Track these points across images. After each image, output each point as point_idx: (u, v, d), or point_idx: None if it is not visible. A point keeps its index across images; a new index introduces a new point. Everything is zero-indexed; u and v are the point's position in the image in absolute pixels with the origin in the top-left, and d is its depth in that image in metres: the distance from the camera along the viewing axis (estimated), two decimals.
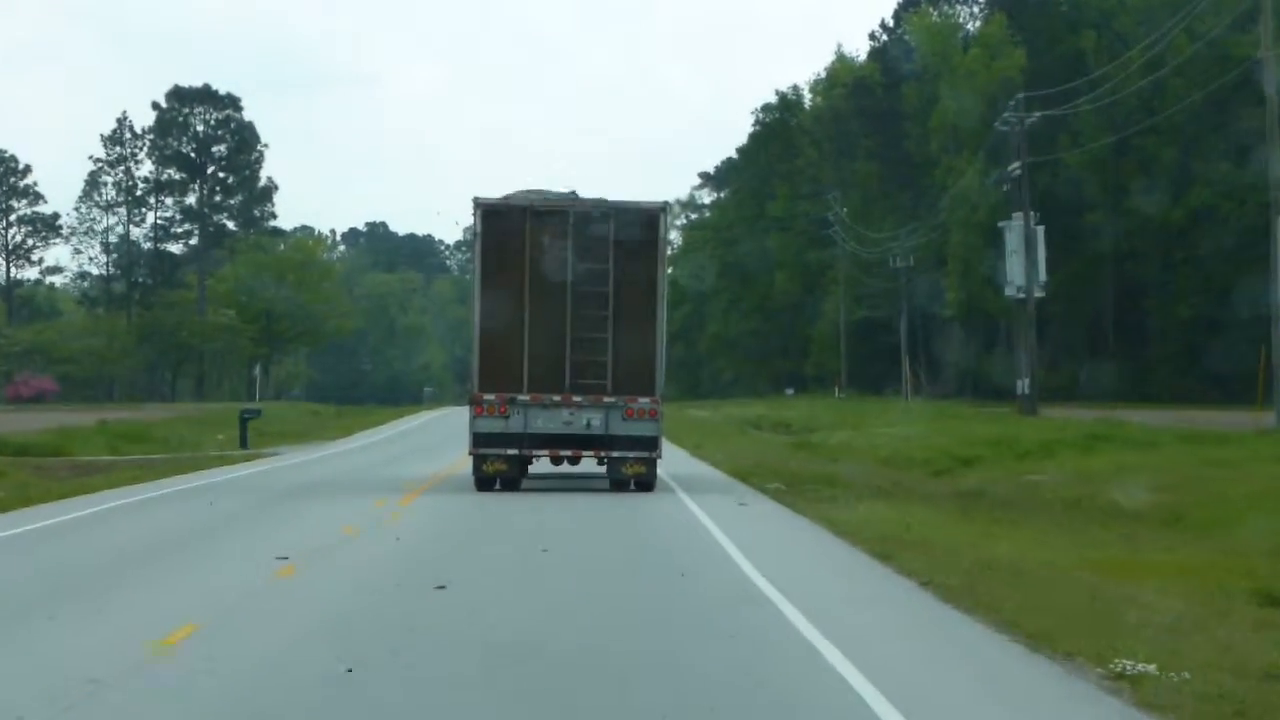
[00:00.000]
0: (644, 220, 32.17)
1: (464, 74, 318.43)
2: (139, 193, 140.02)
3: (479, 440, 31.98)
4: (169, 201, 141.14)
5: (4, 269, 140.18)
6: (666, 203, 34.15)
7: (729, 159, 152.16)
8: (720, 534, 22.49)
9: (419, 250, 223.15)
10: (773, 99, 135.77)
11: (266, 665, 12.43)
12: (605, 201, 32.80)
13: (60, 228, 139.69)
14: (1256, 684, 11.30)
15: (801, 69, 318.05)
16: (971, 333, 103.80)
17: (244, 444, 56.50)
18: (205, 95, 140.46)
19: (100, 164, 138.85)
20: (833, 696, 11.25)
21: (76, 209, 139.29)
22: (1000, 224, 68.63)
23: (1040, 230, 65.35)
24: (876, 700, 11.00)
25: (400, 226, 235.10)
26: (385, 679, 11.69)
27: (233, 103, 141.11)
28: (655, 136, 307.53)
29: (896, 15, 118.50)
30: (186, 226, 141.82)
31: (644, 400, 31.61)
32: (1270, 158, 45.77)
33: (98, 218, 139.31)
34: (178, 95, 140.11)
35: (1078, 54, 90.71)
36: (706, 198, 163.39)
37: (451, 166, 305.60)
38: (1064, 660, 12.43)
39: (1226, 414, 59.01)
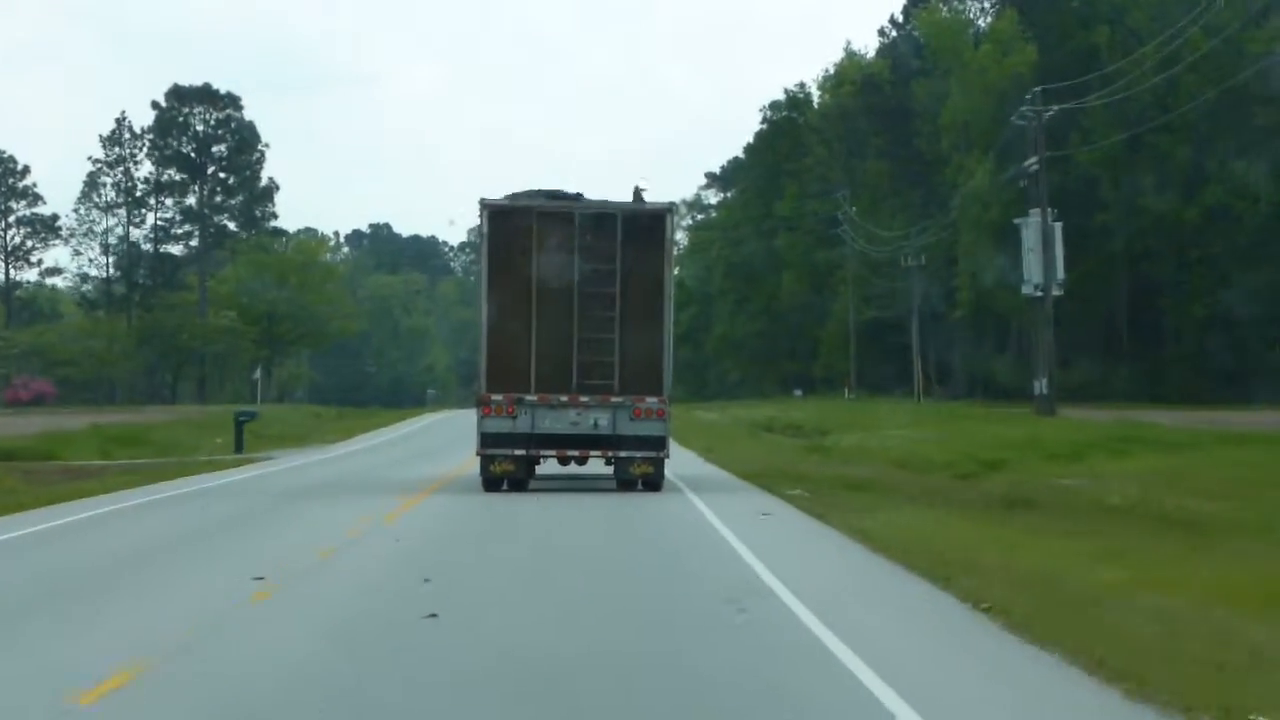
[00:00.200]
0: (650, 220, 32.19)
1: (466, 74, 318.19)
2: (139, 194, 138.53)
3: (486, 441, 31.98)
4: (169, 202, 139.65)
5: (3, 271, 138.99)
6: (673, 203, 34.18)
7: (735, 159, 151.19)
8: (748, 552, 20.16)
9: (423, 251, 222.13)
10: (779, 97, 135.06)
11: None
12: (612, 202, 32.78)
13: (59, 229, 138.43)
14: None
15: (806, 68, 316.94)
16: (982, 333, 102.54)
17: (239, 448, 54.98)
18: (205, 94, 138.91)
19: (99, 165, 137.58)
20: None
21: (75, 210, 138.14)
22: (1017, 220, 67.27)
23: (1058, 227, 63.98)
24: None
25: (404, 228, 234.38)
26: None
27: (233, 102, 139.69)
28: (658, 137, 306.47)
29: (906, 11, 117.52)
30: (187, 227, 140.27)
31: (651, 400, 31.68)
32: None
33: (97, 219, 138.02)
34: (177, 95, 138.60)
35: (1090, 49, 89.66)
36: (713, 198, 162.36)
37: (454, 167, 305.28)
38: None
39: (1247, 414, 57.59)
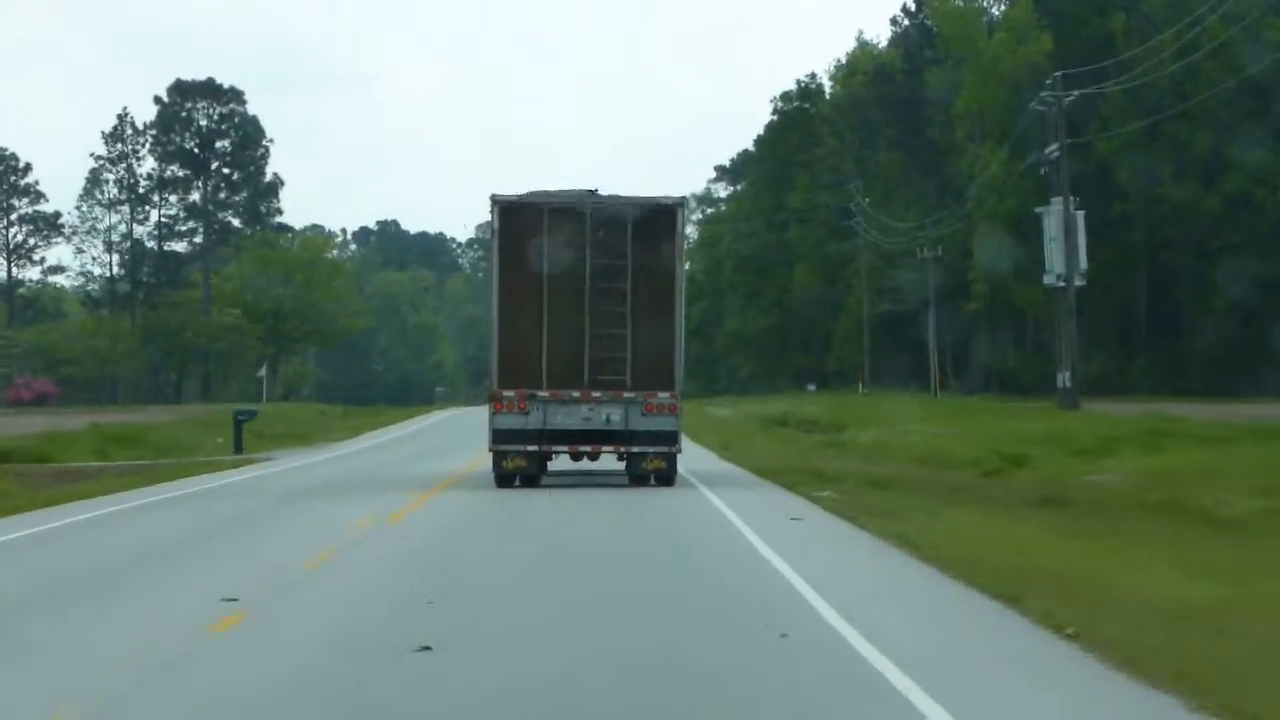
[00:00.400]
0: (661, 215, 32.19)
1: (470, 72, 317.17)
2: (141, 190, 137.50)
3: (498, 437, 32.03)
4: (172, 199, 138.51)
5: (5, 269, 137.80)
6: (684, 197, 34.09)
7: (745, 151, 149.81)
8: (782, 564, 18.02)
9: (431, 248, 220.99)
10: (787, 88, 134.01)
11: None
12: (622, 197, 32.75)
13: (62, 227, 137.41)
14: None
15: (814, 61, 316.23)
16: (998, 326, 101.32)
17: (238, 448, 53.52)
18: (208, 89, 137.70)
19: (101, 161, 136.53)
20: None
21: (78, 207, 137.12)
22: (1038, 209, 65.90)
23: (1080, 215, 62.54)
24: None
25: (412, 225, 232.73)
26: None
27: (236, 96, 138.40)
28: (664, 133, 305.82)
29: (918, 0, 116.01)
30: (190, 224, 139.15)
31: (663, 395, 31.73)
32: None
33: (100, 216, 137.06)
34: (179, 89, 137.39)
35: (1107, 37, 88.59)
36: (722, 191, 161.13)
37: (460, 165, 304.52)
38: None
39: (1273, 407, 56.21)
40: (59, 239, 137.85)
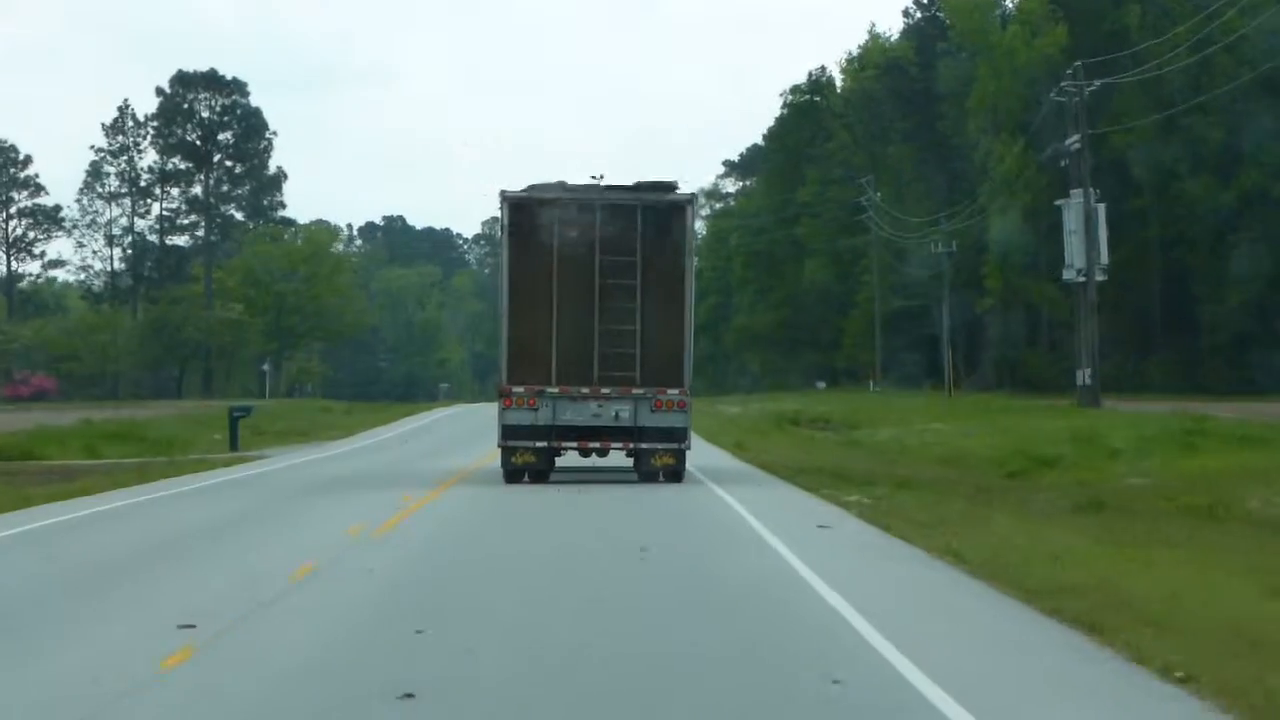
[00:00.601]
0: (671, 211, 32.26)
1: (477, 68, 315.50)
2: (143, 183, 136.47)
3: (508, 432, 32.18)
4: (174, 192, 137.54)
5: (4, 263, 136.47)
6: (694, 194, 34.29)
7: (754, 146, 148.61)
8: (821, 583, 15.97)
9: (437, 244, 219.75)
10: (797, 81, 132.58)
11: None
12: (632, 193, 32.68)
13: (62, 220, 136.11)
14: None
15: (821, 55, 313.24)
16: (1011, 323, 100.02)
17: (234, 445, 51.94)
18: (210, 80, 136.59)
19: (102, 154, 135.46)
20: None
21: (78, 200, 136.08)
22: (1058, 202, 64.36)
23: (1101, 208, 60.89)
24: None
25: (418, 220, 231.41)
26: None
27: (239, 88, 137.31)
28: (673, 129, 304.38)
29: None
30: (192, 217, 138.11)
31: (672, 392, 31.86)
32: None
33: (100, 209, 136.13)
34: (182, 80, 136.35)
35: (1121, 30, 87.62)
36: (731, 186, 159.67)
37: (467, 161, 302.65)
38: None
39: None
40: (59, 233, 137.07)
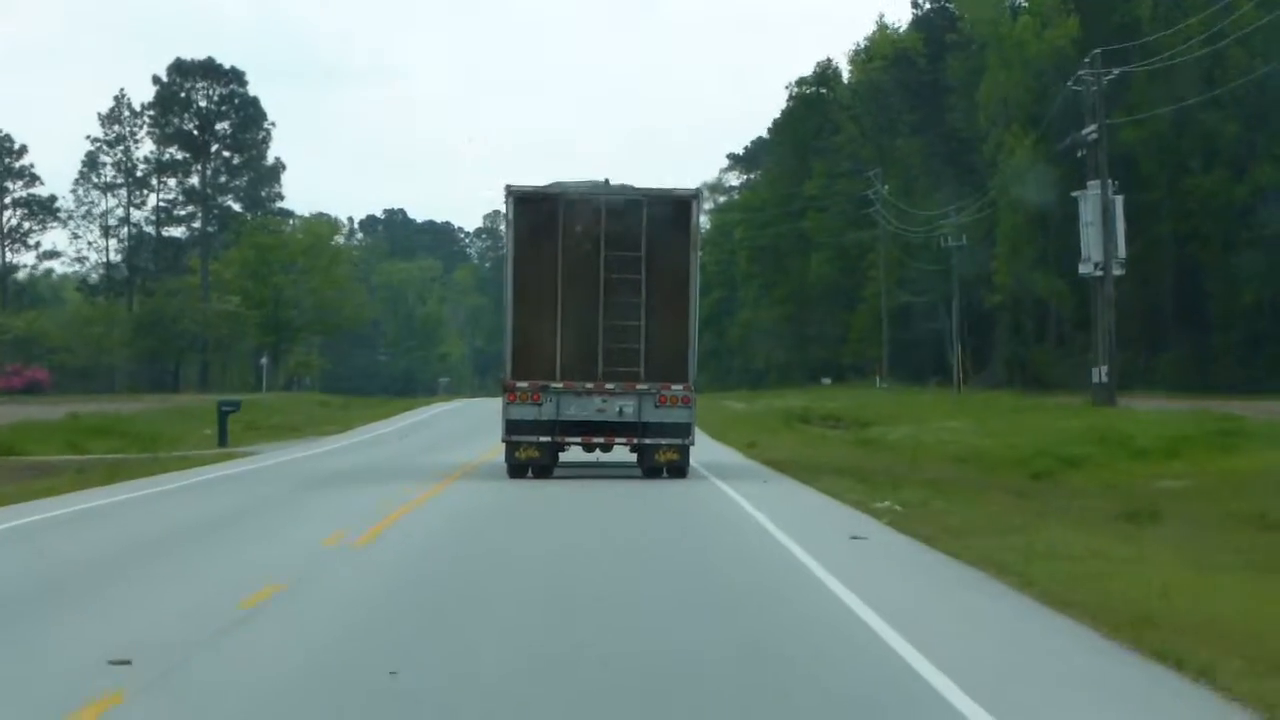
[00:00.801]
0: (676, 207, 32.47)
1: (480, 62, 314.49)
2: (139, 173, 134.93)
3: (512, 428, 32.28)
4: (171, 182, 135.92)
5: None
6: (699, 189, 34.92)
7: (759, 139, 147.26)
8: (867, 610, 13.98)
9: (438, 238, 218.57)
10: (804, 73, 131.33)
11: None
12: (637, 189, 33.05)
13: (57, 211, 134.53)
14: None
15: (828, 47, 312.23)
16: (1021, 319, 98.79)
17: (223, 440, 50.33)
18: (208, 69, 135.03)
19: (98, 144, 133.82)
20: None
21: (74, 191, 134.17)
22: (1074, 193, 62.79)
23: (1119, 200, 59.29)
24: None
25: (419, 213, 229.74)
26: None
27: (237, 77, 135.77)
28: (677, 123, 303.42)
29: None
30: (190, 208, 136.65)
31: (677, 387, 31.99)
32: None
33: (96, 200, 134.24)
34: (179, 69, 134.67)
35: (1133, 22, 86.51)
36: (735, 180, 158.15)
37: (469, 156, 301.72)
38: None
39: None
40: (54, 223, 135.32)
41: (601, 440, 32.76)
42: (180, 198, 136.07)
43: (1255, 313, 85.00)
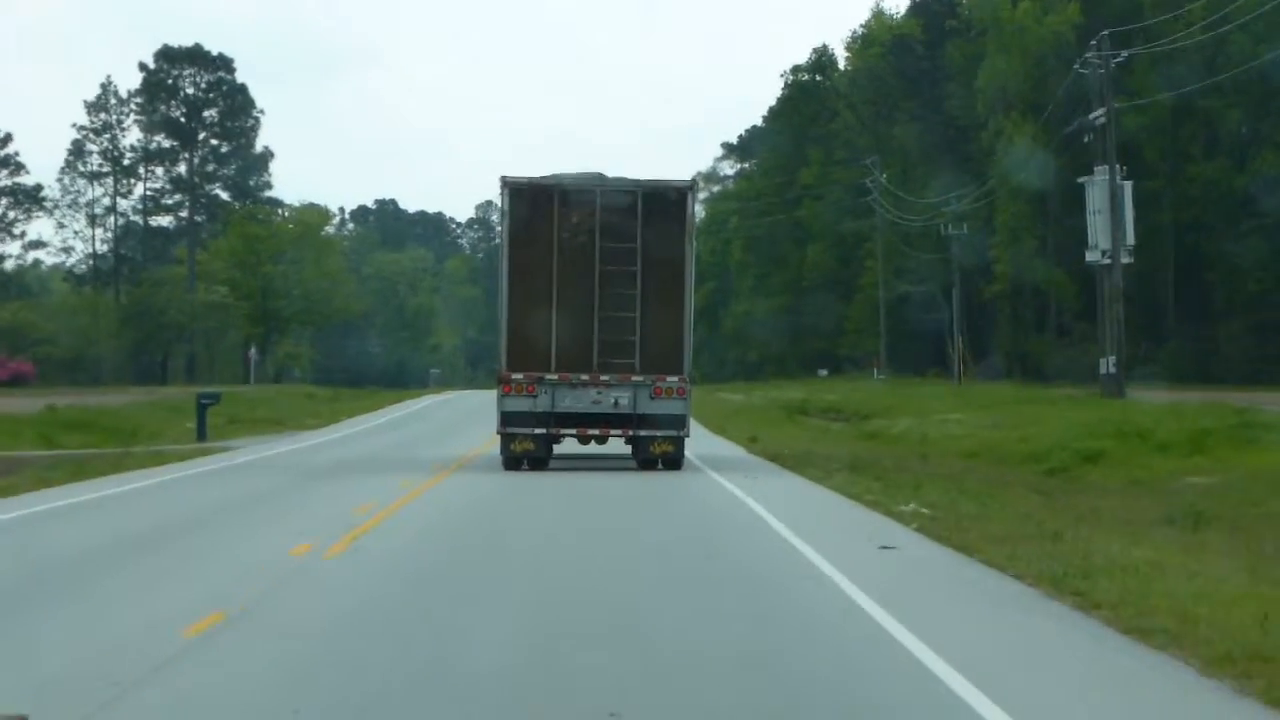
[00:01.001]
0: (671, 199, 32.63)
1: (474, 52, 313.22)
2: (126, 162, 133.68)
3: (507, 419, 32.51)
4: (158, 171, 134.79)
5: None
6: (694, 181, 35.40)
7: (754, 127, 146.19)
8: (921, 647, 11.97)
9: (430, 228, 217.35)
10: (795, 63, 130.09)
11: None
12: (632, 180, 33.08)
13: (43, 200, 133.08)
14: None
15: (823, 35, 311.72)
16: (1020, 310, 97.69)
17: (201, 435, 48.72)
18: (195, 56, 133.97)
19: (84, 131, 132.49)
20: None
21: (60, 180, 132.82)
22: (1081, 180, 61.35)
23: (1127, 186, 57.86)
24: None
25: (411, 204, 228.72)
26: None
27: (225, 64, 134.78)
28: (672, 113, 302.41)
29: None
30: (177, 197, 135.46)
31: (672, 379, 32.22)
32: None
33: (82, 189, 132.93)
34: (166, 56, 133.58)
35: (1134, 8, 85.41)
36: (729, 169, 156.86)
37: (462, 146, 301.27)
38: None
39: None
40: (40, 213, 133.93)
41: (597, 432, 32.84)
42: (168, 186, 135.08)
43: (1259, 302, 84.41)
